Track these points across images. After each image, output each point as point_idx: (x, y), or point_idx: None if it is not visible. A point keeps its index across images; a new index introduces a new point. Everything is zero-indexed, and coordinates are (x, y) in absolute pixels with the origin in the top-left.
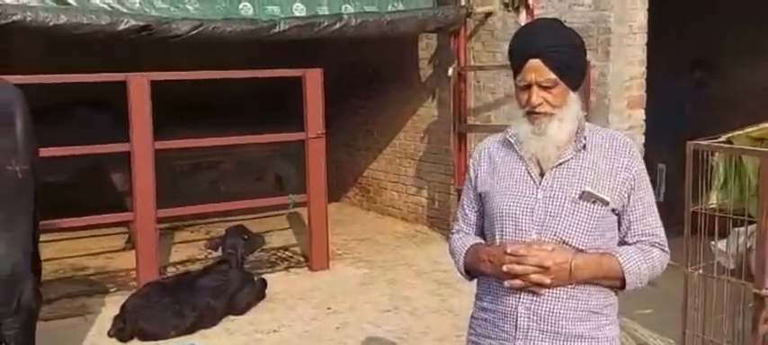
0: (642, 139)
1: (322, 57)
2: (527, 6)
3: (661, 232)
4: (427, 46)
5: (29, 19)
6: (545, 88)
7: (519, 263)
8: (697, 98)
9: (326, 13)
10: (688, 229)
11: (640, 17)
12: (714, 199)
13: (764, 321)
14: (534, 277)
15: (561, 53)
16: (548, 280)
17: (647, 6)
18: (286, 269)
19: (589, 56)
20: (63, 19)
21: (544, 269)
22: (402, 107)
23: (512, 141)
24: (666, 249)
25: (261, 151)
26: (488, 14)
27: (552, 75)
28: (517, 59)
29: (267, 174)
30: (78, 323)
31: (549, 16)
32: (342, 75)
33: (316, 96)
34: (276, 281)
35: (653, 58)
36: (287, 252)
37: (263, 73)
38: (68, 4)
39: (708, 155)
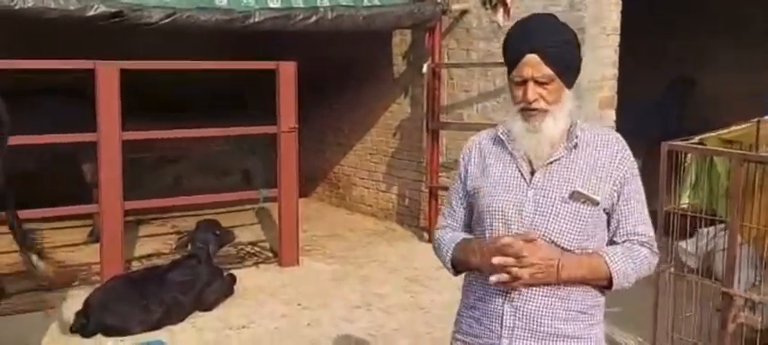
0: None
1: (294, 51)
2: (504, 5)
3: (650, 232)
4: (401, 42)
5: None
6: (541, 84)
7: (507, 255)
8: (680, 107)
9: (302, 5)
10: (660, 229)
11: (614, 18)
12: (686, 199)
13: (733, 319)
14: (515, 270)
15: (559, 49)
16: (528, 275)
17: (620, 8)
18: (255, 264)
19: None
20: (30, 2)
21: (532, 265)
22: (374, 103)
23: (503, 138)
24: (655, 249)
25: (226, 146)
26: (464, 12)
27: (549, 71)
28: (513, 54)
29: (233, 170)
30: (38, 318)
31: (524, 15)
32: (314, 69)
33: (289, 89)
34: (245, 277)
35: (639, 69)
36: (256, 248)
37: (237, 65)
38: None
39: (682, 156)
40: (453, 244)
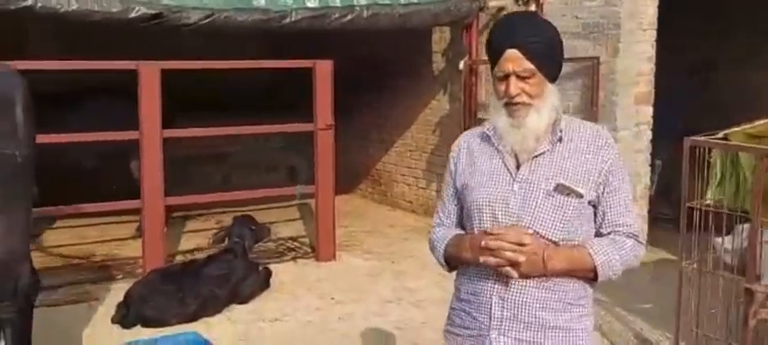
0: (649, 136)
1: (335, 50)
2: (537, 1)
3: (636, 223)
4: (440, 39)
5: (39, 5)
6: (523, 78)
7: (496, 240)
8: (699, 97)
9: (338, 4)
10: (684, 225)
11: (650, 13)
12: (710, 196)
13: (754, 314)
14: (508, 254)
15: (538, 43)
16: (522, 258)
17: (657, 2)
18: (293, 259)
19: (598, 51)
20: (74, 5)
21: (521, 245)
22: (414, 100)
23: (490, 134)
24: (641, 240)
25: (274, 143)
26: (501, 9)
27: (530, 66)
28: (495, 50)
29: (279, 167)
30: (82, 310)
31: (559, 12)
32: (355, 68)
33: (325, 88)
34: (283, 271)
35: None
36: (295, 243)
37: (273, 63)
38: None
39: (705, 152)
40: (445, 241)
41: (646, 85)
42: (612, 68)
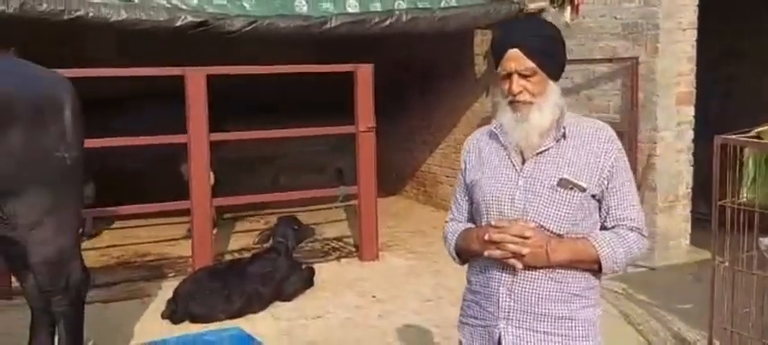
0: (691, 136)
1: (378, 54)
2: (572, 3)
3: (639, 217)
4: (482, 41)
5: (91, 15)
6: (525, 76)
7: (500, 233)
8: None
9: (378, 9)
10: (715, 223)
11: (690, 13)
12: (744, 195)
13: None
14: (511, 247)
15: (538, 42)
16: (525, 250)
17: (697, 2)
18: (337, 258)
19: (637, 52)
20: (123, 15)
21: (524, 238)
22: (458, 102)
23: (496, 132)
24: (644, 233)
25: (321, 145)
26: (540, 11)
27: (531, 63)
28: (498, 50)
29: (327, 168)
30: (134, 306)
31: (597, 12)
32: (398, 71)
33: (367, 91)
34: (326, 270)
35: None
36: (339, 243)
37: (315, 68)
38: (130, 0)
39: (736, 150)
40: (456, 235)
41: (687, 85)
42: (652, 69)
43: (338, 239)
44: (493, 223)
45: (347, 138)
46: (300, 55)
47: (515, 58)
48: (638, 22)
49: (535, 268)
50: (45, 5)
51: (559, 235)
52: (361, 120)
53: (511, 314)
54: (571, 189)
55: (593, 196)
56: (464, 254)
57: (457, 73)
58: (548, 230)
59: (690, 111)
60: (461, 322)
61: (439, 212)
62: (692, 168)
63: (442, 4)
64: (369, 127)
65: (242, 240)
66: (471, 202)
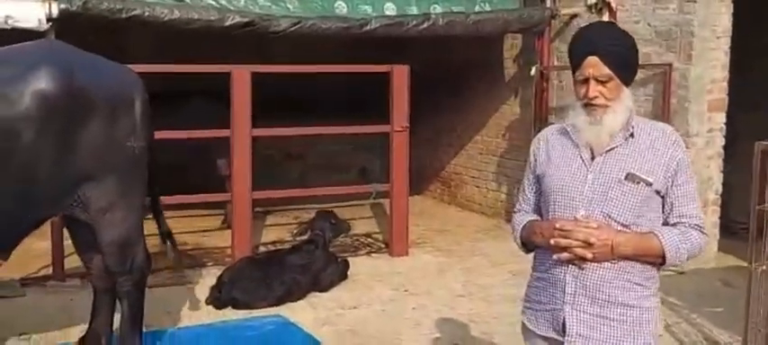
0: (722, 142)
1: (411, 54)
2: (610, 9)
3: (700, 215)
4: (512, 46)
5: (146, 14)
6: (601, 82)
7: (566, 238)
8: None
9: (415, 12)
10: (753, 228)
11: (724, 21)
12: None
13: None
14: (578, 251)
15: (617, 51)
16: (590, 255)
17: (732, 10)
18: (368, 253)
19: (671, 58)
20: (176, 14)
21: (588, 244)
22: (486, 104)
23: (568, 129)
24: (705, 232)
25: (347, 144)
26: (573, 16)
27: (607, 71)
28: (577, 56)
29: (352, 167)
30: (180, 291)
31: (632, 19)
32: (428, 71)
33: (402, 91)
34: (358, 264)
35: None
36: (369, 239)
37: (352, 68)
38: (182, 0)
39: None
40: (521, 226)
41: (719, 92)
42: (685, 75)
43: (367, 235)
44: (557, 219)
45: (371, 138)
46: (329, 55)
47: (594, 65)
48: (672, 28)
49: (600, 261)
50: (105, 4)
51: (625, 226)
52: (396, 120)
53: (576, 299)
54: (638, 183)
55: (658, 192)
56: (529, 245)
57: (486, 76)
58: (613, 220)
59: (721, 118)
60: (526, 306)
61: (464, 212)
62: (721, 174)
63: (477, 9)
64: (403, 126)
65: (273, 233)
66: (538, 194)
